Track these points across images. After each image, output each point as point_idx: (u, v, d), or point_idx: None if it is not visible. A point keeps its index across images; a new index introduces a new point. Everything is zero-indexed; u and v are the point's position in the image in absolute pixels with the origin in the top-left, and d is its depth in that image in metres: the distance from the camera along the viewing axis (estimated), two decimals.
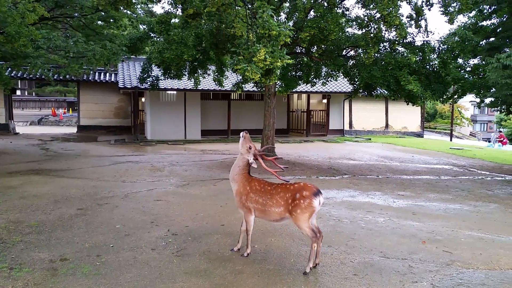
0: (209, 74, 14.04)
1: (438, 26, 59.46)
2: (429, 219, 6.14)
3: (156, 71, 13.92)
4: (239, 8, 7.21)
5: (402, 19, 9.38)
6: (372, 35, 10.13)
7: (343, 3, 11.64)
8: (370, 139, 21.80)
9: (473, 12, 12.54)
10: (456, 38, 11.02)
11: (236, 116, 20.63)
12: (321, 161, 12.84)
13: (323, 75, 13.27)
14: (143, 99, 21.60)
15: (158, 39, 12.87)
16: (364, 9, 10.77)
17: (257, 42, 6.30)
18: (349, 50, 12.20)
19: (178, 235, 5.02)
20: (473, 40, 11.15)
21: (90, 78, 21.96)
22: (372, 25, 10.28)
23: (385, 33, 10.44)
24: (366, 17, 10.56)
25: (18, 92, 40.32)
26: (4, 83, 14.14)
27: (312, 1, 10.58)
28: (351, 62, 12.21)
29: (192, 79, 13.71)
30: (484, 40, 12.43)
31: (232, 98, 20.97)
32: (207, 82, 17.97)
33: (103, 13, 14.53)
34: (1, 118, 20.99)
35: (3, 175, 9.05)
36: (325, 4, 10.61)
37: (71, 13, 14.53)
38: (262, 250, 4.59)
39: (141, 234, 5.04)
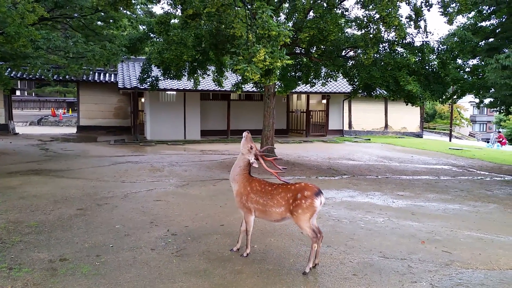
0: (208, 75, 14.05)
1: (437, 27, 59.55)
2: (428, 219, 6.15)
3: (155, 71, 13.93)
4: (239, 8, 7.22)
5: (402, 20, 9.38)
6: (371, 35, 10.14)
7: (342, 3, 11.65)
8: (369, 139, 21.82)
9: (472, 13, 12.56)
10: (455, 38, 11.03)
11: (235, 117, 20.64)
12: (320, 162, 12.85)
13: (322, 75, 13.28)
14: (142, 100, 21.61)
15: (157, 40, 12.87)
16: (364, 10, 10.78)
17: (256, 43, 6.30)
18: (349, 50, 12.22)
19: (178, 235, 5.03)
20: (472, 40, 11.16)
21: (89, 79, 21.95)
22: (371, 26, 10.29)
23: (384, 34, 10.45)
24: (365, 18, 10.57)
25: (18, 93, 40.33)
26: (3, 84, 14.12)
27: (311, 1, 10.59)
28: (351, 62, 12.21)
29: (192, 80, 13.72)
30: (483, 41, 12.45)
31: (232, 98, 20.98)
32: (207, 83, 17.97)
33: (102, 14, 14.53)
34: (0, 119, 20.96)
35: (3, 175, 9.04)
36: (325, 4, 10.62)
37: (70, 13, 14.52)
38: (262, 250, 4.60)
39: (141, 234, 5.04)
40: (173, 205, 6.60)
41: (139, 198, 7.10)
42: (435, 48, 11.07)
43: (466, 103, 41.03)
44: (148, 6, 26.21)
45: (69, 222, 5.50)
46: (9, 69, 17.95)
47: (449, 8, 10.06)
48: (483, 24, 12.67)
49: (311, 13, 11.02)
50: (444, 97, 12.03)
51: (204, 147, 16.24)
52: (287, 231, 5.29)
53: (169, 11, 10.84)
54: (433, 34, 16.66)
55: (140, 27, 16.80)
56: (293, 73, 13.47)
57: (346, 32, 11.89)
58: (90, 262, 4.12)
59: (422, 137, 25.80)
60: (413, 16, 10.58)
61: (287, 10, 12.15)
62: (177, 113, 19.10)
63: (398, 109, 24.46)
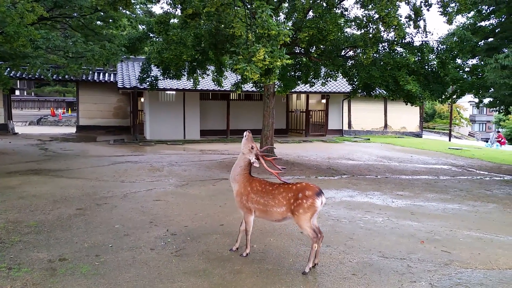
0: (208, 74, 14.03)
1: (437, 27, 59.72)
2: (428, 219, 6.16)
3: (155, 71, 13.92)
4: (238, 8, 7.20)
5: (401, 20, 9.39)
6: (371, 35, 10.14)
7: (342, 3, 11.65)
8: (369, 139, 21.82)
9: (472, 13, 12.56)
10: (454, 38, 11.04)
11: (235, 116, 20.63)
12: (320, 161, 12.85)
13: (322, 75, 13.27)
14: (142, 99, 21.60)
15: (157, 39, 12.87)
16: (363, 10, 10.78)
17: (256, 42, 6.30)
18: (348, 50, 12.21)
19: (177, 235, 5.03)
20: (471, 40, 11.16)
21: (89, 78, 21.94)
22: (370, 26, 10.28)
23: (383, 34, 10.45)
24: (364, 18, 10.56)
25: (17, 92, 40.29)
26: (3, 83, 14.10)
27: (311, 1, 10.58)
28: (350, 62, 12.22)
29: (191, 79, 13.71)
30: (483, 41, 12.45)
31: (231, 98, 20.97)
32: (206, 82, 17.97)
33: (102, 13, 14.52)
34: (0, 118, 20.96)
35: (2, 175, 9.04)
36: (324, 4, 10.61)
37: (70, 13, 14.50)
38: (261, 250, 4.60)
39: (140, 234, 5.04)
40: (172, 205, 6.60)
41: (138, 198, 7.10)
42: (435, 48, 11.08)
43: (466, 103, 41.03)
44: (148, 5, 26.16)
45: (68, 222, 5.49)
46: (8, 69, 17.92)
47: (449, 8, 10.06)
48: (483, 24, 12.67)
49: (310, 13, 11.03)
50: (443, 97, 12.04)
51: (204, 147, 16.24)
52: (286, 231, 5.29)
53: (168, 10, 10.83)
54: (432, 34, 16.69)
55: (140, 26, 16.81)
56: (292, 73, 13.47)
57: (346, 32, 11.90)
58: (90, 262, 4.12)
59: (421, 136, 25.81)
60: (413, 15, 10.58)
61: (287, 10, 12.15)
62: (177, 113, 19.09)
63: (397, 109, 24.46)
